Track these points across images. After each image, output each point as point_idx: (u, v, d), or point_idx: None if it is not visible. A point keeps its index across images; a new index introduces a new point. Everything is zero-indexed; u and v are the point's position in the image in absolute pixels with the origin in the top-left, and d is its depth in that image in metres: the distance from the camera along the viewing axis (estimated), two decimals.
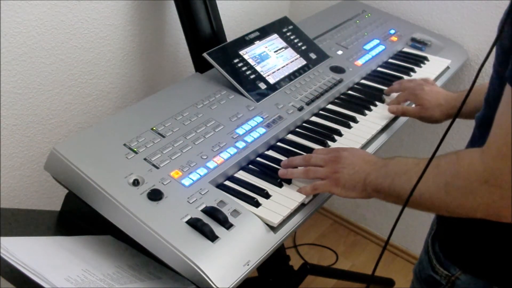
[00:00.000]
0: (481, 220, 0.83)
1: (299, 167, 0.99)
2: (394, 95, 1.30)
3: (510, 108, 0.68)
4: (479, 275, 0.87)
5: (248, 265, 0.83)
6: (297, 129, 1.16)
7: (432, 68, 1.46)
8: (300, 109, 1.19)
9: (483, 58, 0.87)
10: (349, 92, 1.33)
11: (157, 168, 0.94)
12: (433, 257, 0.93)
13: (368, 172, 0.89)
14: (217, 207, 0.89)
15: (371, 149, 1.15)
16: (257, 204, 0.93)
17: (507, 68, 0.71)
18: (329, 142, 1.12)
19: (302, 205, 0.97)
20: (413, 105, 1.25)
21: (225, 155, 1.01)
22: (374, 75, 1.41)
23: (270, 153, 1.09)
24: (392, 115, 1.24)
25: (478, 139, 0.89)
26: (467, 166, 0.73)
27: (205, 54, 1.19)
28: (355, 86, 1.36)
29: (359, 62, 1.42)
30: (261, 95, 1.20)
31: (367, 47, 1.49)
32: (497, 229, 0.81)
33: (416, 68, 1.45)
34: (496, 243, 0.84)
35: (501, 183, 0.68)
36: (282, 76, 1.27)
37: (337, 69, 1.36)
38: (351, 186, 0.90)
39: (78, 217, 0.98)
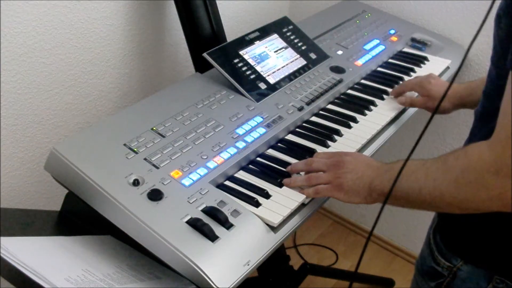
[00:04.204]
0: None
1: (301, 173, 0.99)
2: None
3: None
4: (480, 265, 0.87)
5: (248, 265, 0.83)
6: (297, 129, 1.16)
7: (432, 68, 1.46)
8: (300, 109, 1.19)
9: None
10: (349, 92, 1.33)
11: (157, 168, 0.94)
12: (434, 249, 0.93)
13: (373, 178, 0.88)
14: (217, 207, 0.89)
15: (371, 149, 1.15)
16: (257, 204, 0.93)
17: (505, 58, 0.71)
18: (329, 142, 1.12)
19: (302, 205, 0.97)
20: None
21: (225, 155, 1.01)
22: (374, 75, 1.41)
23: (270, 153, 1.09)
24: (392, 115, 1.24)
25: (478, 131, 0.89)
26: (476, 159, 0.72)
27: (205, 54, 1.19)
28: (355, 86, 1.36)
29: (359, 62, 1.42)
30: (261, 95, 1.20)
31: (367, 47, 1.49)
32: (498, 219, 0.81)
33: (416, 68, 1.45)
34: (497, 233, 0.84)
35: None
36: (282, 76, 1.27)
37: (337, 69, 1.36)
38: (354, 192, 0.90)
39: (78, 217, 0.98)
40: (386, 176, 0.87)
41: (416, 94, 1.28)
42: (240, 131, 1.08)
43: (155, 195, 0.88)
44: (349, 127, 1.19)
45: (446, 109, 1.23)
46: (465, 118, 1.65)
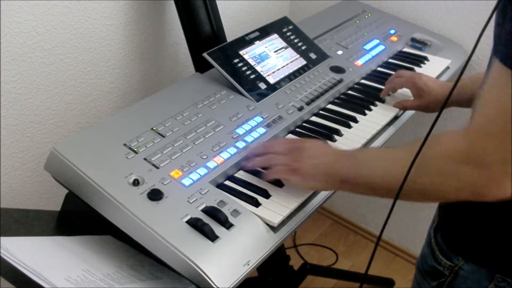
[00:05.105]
0: (483, 209, 0.82)
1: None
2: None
3: (497, 84, 0.65)
4: (482, 264, 0.86)
5: (248, 265, 0.83)
6: (297, 129, 1.16)
7: (432, 68, 1.46)
8: (300, 109, 1.19)
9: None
10: (349, 92, 1.33)
11: (157, 168, 0.94)
12: (435, 248, 0.93)
13: (332, 162, 0.87)
14: (217, 207, 0.89)
15: None
16: (257, 204, 0.93)
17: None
18: (329, 142, 1.12)
19: (302, 205, 0.97)
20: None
21: (225, 155, 1.01)
22: (374, 75, 1.41)
23: None
24: (392, 115, 1.24)
25: None
26: (449, 147, 0.71)
27: (205, 54, 1.19)
28: (355, 86, 1.36)
29: (359, 62, 1.42)
30: (261, 95, 1.20)
31: (367, 47, 1.49)
32: (499, 217, 0.81)
33: (416, 68, 1.45)
34: (499, 232, 0.84)
35: (487, 162, 0.66)
36: (282, 76, 1.27)
37: (337, 69, 1.36)
38: (312, 176, 0.89)
39: (78, 217, 0.98)
40: (347, 161, 0.86)
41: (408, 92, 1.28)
42: (240, 131, 1.08)
43: (155, 195, 0.88)
44: (349, 127, 1.19)
45: (434, 108, 1.21)
46: (465, 118, 1.65)
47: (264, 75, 1.24)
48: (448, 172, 0.71)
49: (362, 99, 1.30)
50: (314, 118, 1.21)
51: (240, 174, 1.01)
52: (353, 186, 0.85)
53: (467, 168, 0.68)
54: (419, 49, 1.55)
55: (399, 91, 1.30)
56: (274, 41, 1.33)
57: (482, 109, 0.68)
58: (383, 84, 1.35)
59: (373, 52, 1.47)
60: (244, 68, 1.22)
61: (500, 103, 0.65)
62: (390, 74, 1.41)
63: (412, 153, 0.75)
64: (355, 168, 0.83)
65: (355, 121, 1.21)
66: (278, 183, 0.99)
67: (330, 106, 1.26)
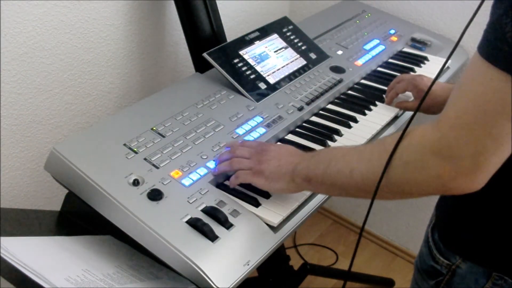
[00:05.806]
0: (480, 207, 0.82)
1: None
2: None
3: (474, 75, 0.64)
4: (479, 262, 0.86)
5: (248, 265, 0.83)
6: (297, 129, 1.16)
7: (432, 68, 1.46)
8: (300, 109, 1.19)
9: None
10: (349, 92, 1.33)
11: (157, 168, 0.94)
12: (433, 247, 0.93)
13: (297, 163, 0.87)
14: (217, 207, 0.89)
15: None
16: (257, 204, 0.93)
17: None
18: (329, 142, 1.13)
19: (302, 205, 0.97)
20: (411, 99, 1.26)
21: None
22: (374, 75, 1.41)
23: None
24: (392, 115, 1.24)
25: None
26: (418, 138, 0.70)
27: (205, 54, 1.19)
28: (355, 86, 1.36)
29: (359, 62, 1.42)
30: (261, 95, 1.20)
31: (367, 47, 1.49)
32: (496, 216, 0.80)
33: (416, 68, 1.45)
34: (496, 230, 0.84)
35: (456, 153, 0.65)
36: (282, 76, 1.27)
37: (337, 69, 1.36)
38: (276, 178, 0.89)
39: (78, 217, 0.98)
40: (312, 160, 0.85)
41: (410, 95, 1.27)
42: (240, 131, 1.08)
43: (155, 195, 0.88)
44: (349, 127, 1.19)
45: (435, 110, 1.20)
46: None
47: (264, 75, 1.24)
48: (415, 163, 0.69)
49: (362, 99, 1.30)
50: (314, 118, 1.21)
51: None
52: (318, 185, 0.84)
53: (435, 158, 0.67)
54: (419, 49, 1.55)
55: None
56: (274, 41, 1.33)
57: (456, 100, 0.66)
58: (383, 84, 1.35)
59: (373, 52, 1.47)
60: (244, 68, 1.22)
61: (476, 94, 0.64)
62: (390, 74, 1.41)
63: (381, 146, 0.74)
64: (321, 166, 0.82)
65: (355, 121, 1.21)
66: None
67: (330, 106, 1.26)
